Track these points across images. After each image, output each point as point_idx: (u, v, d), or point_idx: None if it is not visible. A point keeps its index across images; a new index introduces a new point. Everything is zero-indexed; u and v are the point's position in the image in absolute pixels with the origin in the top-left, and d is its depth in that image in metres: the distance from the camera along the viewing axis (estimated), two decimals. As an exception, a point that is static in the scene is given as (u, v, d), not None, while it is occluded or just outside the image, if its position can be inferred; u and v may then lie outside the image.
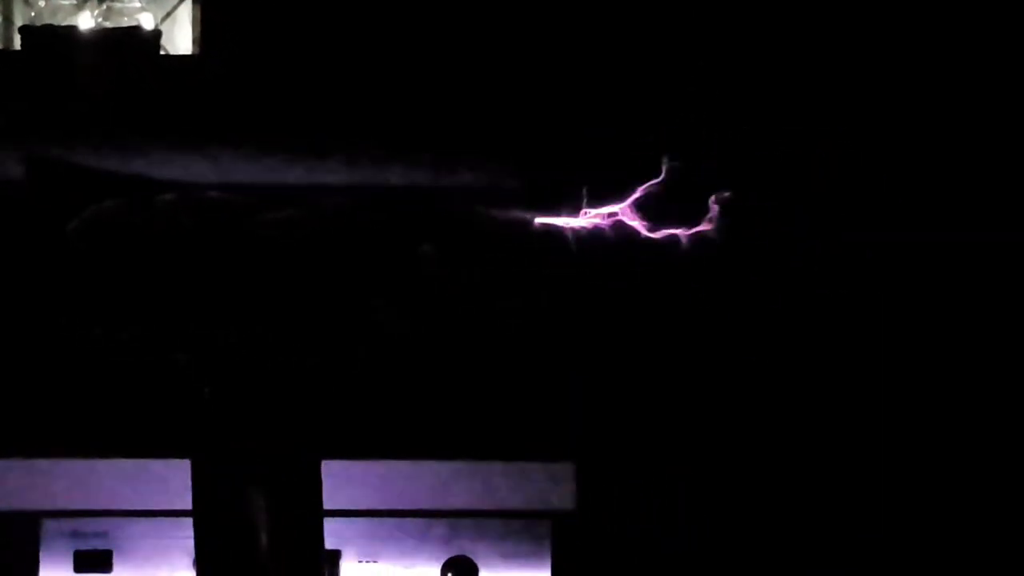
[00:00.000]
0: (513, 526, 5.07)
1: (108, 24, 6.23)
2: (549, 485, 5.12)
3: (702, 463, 5.31)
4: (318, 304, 4.12)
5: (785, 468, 5.36)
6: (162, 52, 6.23)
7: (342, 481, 4.39)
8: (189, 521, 4.26)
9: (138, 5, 6.30)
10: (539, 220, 4.42)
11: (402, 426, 5.07)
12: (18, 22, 6.46)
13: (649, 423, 5.28)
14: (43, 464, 4.93)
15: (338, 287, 4.19)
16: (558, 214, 4.44)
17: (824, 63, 5.65)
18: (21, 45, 6.17)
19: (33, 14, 6.29)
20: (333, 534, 4.57)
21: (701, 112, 5.54)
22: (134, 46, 6.10)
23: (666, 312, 5.30)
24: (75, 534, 4.91)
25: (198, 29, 6.45)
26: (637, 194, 4.39)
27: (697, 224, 4.49)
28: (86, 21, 6.24)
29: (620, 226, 4.42)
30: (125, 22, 6.24)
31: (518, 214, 4.44)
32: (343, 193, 4.97)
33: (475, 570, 5.03)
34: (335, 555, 4.91)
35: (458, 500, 5.10)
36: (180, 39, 6.64)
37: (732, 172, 5.41)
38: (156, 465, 4.93)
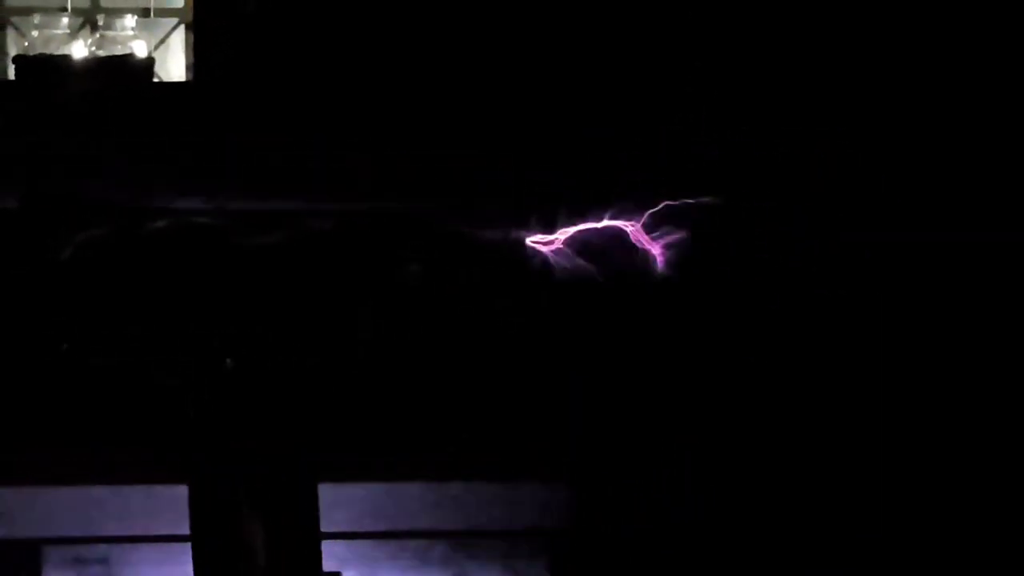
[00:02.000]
0: (511, 545, 4.93)
1: (101, 52, 6.14)
2: (545, 505, 4.99)
3: (697, 478, 5.17)
4: (311, 325, 3.99)
5: (783, 476, 5.22)
6: (155, 79, 6.18)
7: (341, 503, 4.24)
8: (186, 545, 4.15)
9: (131, 33, 6.20)
10: (531, 233, 4.30)
11: (399, 448, 4.94)
12: (12, 52, 6.40)
13: (644, 441, 5.15)
14: (44, 491, 4.80)
15: (329, 305, 4.06)
16: (551, 225, 4.33)
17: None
18: (15, 74, 6.09)
19: (27, 44, 6.21)
20: (332, 556, 4.42)
21: (700, 115, 5.44)
22: (127, 74, 6.03)
23: (658, 326, 5.18)
24: (77, 560, 4.79)
25: (191, 56, 6.39)
26: (634, 208, 4.29)
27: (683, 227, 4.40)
28: (80, 50, 6.15)
29: (614, 236, 4.32)
30: (118, 50, 6.15)
31: (509, 229, 4.32)
32: (331, 216, 4.83)
33: (475, 589, 4.89)
34: (335, 577, 4.76)
35: (456, 521, 4.97)
36: (173, 66, 6.58)
37: (731, 173, 5.32)
38: (155, 491, 4.79)
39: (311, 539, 3.74)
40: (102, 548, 4.83)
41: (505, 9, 5.69)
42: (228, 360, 3.76)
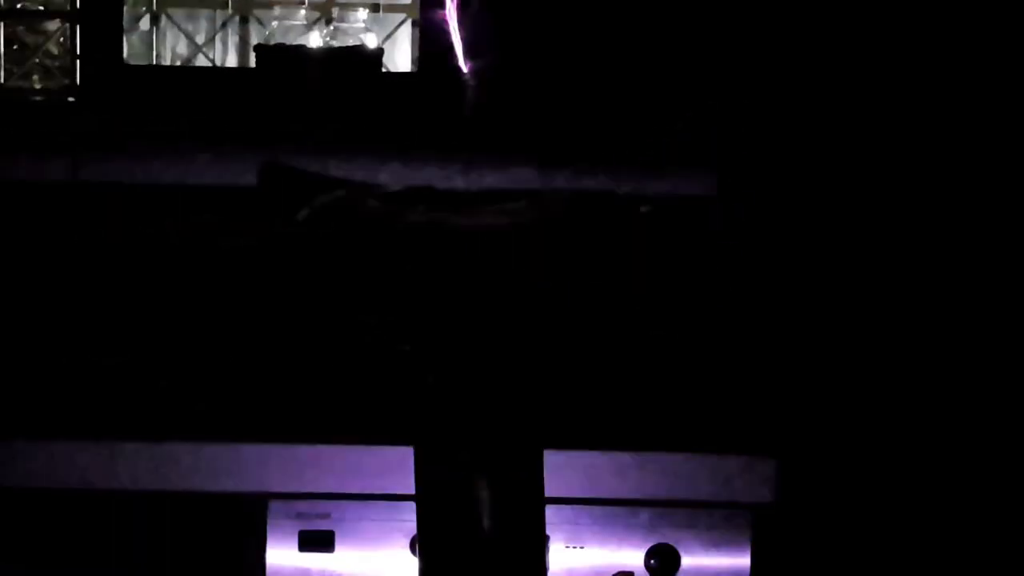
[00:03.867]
0: (714, 516, 4.71)
1: (335, 43, 6.11)
2: (749, 478, 4.74)
3: (903, 459, 4.90)
4: (539, 299, 3.80)
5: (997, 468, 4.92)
6: (384, 70, 6.13)
7: (550, 470, 4.03)
8: (407, 505, 3.99)
9: (362, 26, 6.16)
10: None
11: (608, 420, 4.75)
12: (253, 41, 6.39)
13: (850, 415, 4.90)
14: (271, 449, 4.70)
15: (554, 281, 3.87)
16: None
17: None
18: (256, 63, 6.07)
19: (267, 33, 6.21)
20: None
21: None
22: (358, 64, 5.98)
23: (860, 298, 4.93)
24: (300, 515, 4.67)
25: (416, 49, 6.34)
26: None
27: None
28: (315, 40, 6.13)
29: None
30: (350, 42, 6.11)
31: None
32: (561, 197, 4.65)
33: (677, 557, 4.67)
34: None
35: (660, 490, 4.75)
36: (400, 58, 6.53)
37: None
38: (380, 451, 4.65)
39: (536, 504, 3.53)
40: (325, 504, 4.69)
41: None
42: (457, 328, 3.57)
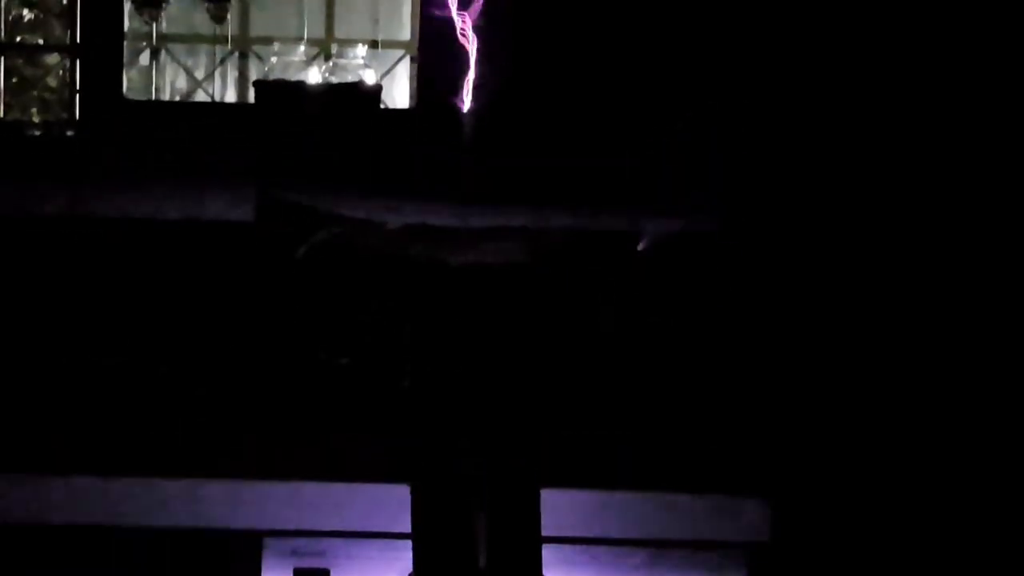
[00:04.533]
0: (710, 556, 4.69)
1: (334, 79, 6.11)
2: (744, 517, 4.73)
3: (894, 498, 4.88)
4: (538, 333, 3.80)
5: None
6: (382, 106, 6.13)
7: (546, 509, 4.02)
8: (403, 543, 3.98)
9: (361, 62, 6.16)
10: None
11: (605, 459, 4.74)
12: (252, 77, 6.40)
13: (842, 455, 4.88)
14: (267, 486, 4.68)
15: (555, 314, 3.87)
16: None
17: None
18: (255, 98, 6.06)
19: (266, 69, 6.21)
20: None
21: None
22: (357, 100, 5.98)
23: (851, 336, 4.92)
24: (295, 552, 4.66)
25: (414, 85, 6.34)
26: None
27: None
28: (314, 76, 6.13)
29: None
30: (349, 78, 6.11)
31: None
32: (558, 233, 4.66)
33: (673, 598, 4.65)
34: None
35: (656, 530, 4.74)
36: (398, 94, 6.53)
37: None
38: (376, 489, 4.64)
39: (532, 542, 3.52)
40: (321, 542, 4.68)
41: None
42: (455, 365, 3.57)
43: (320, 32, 6.61)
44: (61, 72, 6.65)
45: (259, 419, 4.69)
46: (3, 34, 6.52)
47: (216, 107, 6.50)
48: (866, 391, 4.89)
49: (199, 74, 6.71)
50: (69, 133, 6.33)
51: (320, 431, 4.61)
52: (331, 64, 6.22)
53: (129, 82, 6.42)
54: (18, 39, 6.77)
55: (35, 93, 6.68)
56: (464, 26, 4.82)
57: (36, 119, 6.67)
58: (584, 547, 4.50)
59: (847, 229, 5.07)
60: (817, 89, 5.27)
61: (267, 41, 6.40)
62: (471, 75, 5.46)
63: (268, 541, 4.54)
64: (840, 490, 4.86)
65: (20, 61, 6.73)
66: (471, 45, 5.35)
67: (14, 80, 6.68)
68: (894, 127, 5.21)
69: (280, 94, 5.94)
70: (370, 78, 6.15)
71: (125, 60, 6.25)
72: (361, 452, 4.63)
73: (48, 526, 4.57)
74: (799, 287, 4.92)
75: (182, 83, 6.72)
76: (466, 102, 5.43)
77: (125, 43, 6.23)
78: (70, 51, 6.40)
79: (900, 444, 4.89)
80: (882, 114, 5.22)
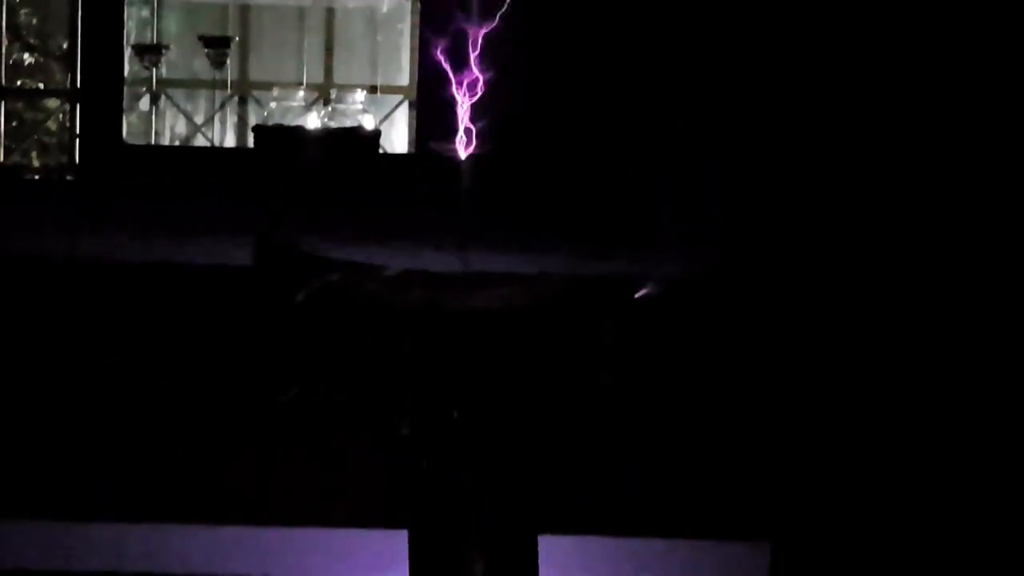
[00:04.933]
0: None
1: (333, 124, 6.15)
2: (746, 563, 4.72)
3: (894, 538, 4.87)
4: (537, 379, 3.80)
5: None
6: (381, 150, 6.16)
7: (545, 555, 4.00)
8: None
9: (360, 107, 6.20)
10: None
11: (604, 505, 4.72)
12: (252, 122, 6.43)
13: (842, 500, 4.87)
14: (267, 532, 4.67)
15: (554, 361, 3.87)
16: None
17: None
18: (254, 143, 6.10)
19: (266, 114, 6.25)
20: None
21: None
22: (356, 145, 6.01)
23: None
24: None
25: (413, 131, 6.37)
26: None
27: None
28: (313, 121, 6.17)
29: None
30: (348, 123, 6.14)
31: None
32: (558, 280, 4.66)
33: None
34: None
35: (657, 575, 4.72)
36: (397, 139, 6.57)
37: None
38: (374, 534, 4.62)
39: (529, 587, 3.51)
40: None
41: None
42: (455, 412, 3.57)
43: (319, 77, 6.66)
44: (61, 116, 6.68)
45: (253, 463, 4.68)
46: (4, 78, 6.55)
47: (215, 152, 6.54)
48: (867, 436, 4.89)
49: (199, 119, 6.75)
50: (69, 177, 6.36)
51: (317, 476, 4.60)
52: (330, 109, 6.25)
53: (129, 127, 6.45)
54: (19, 83, 6.80)
55: (35, 137, 6.71)
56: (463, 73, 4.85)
57: (36, 163, 6.70)
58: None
59: (846, 273, 5.08)
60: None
61: (266, 86, 6.44)
62: (469, 120, 5.48)
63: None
64: (839, 534, 4.84)
65: (20, 105, 6.76)
66: (469, 90, 5.38)
67: (14, 124, 6.71)
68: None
69: (279, 139, 5.97)
70: (369, 123, 6.18)
71: (125, 105, 6.29)
72: (359, 496, 4.63)
73: (46, 571, 4.56)
74: (797, 331, 4.92)
75: (182, 128, 6.76)
76: (464, 147, 5.45)
77: (125, 88, 6.27)
78: (70, 96, 6.44)
79: (901, 489, 4.89)
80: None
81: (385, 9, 6.59)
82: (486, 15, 4.69)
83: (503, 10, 4.72)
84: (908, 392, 4.97)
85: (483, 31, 4.65)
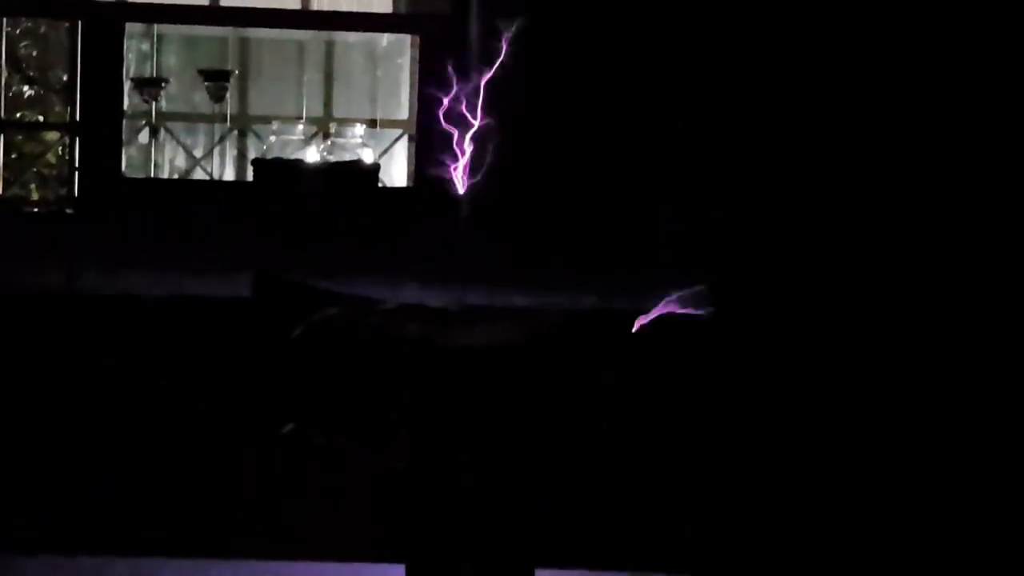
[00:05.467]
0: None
1: (332, 158, 6.16)
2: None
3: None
4: (543, 417, 3.79)
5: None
6: (380, 184, 6.16)
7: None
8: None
9: (359, 141, 6.21)
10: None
11: (602, 539, 4.71)
12: (251, 155, 6.44)
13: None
14: (264, 565, 4.66)
15: (548, 398, 3.86)
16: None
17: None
18: (253, 176, 6.11)
19: (265, 147, 6.26)
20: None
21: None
22: (355, 178, 6.01)
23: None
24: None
25: (413, 164, 6.38)
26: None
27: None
28: (312, 155, 6.18)
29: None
30: (347, 156, 6.15)
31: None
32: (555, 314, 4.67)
33: None
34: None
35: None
36: (396, 172, 6.58)
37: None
38: (371, 569, 4.62)
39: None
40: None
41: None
42: (451, 448, 3.57)
43: (319, 111, 6.67)
44: (61, 149, 6.70)
45: (250, 498, 4.68)
46: (3, 111, 6.57)
47: (215, 185, 6.55)
48: (853, 480, 4.87)
49: (198, 152, 6.76)
50: (68, 210, 6.37)
51: (312, 509, 4.59)
52: (329, 143, 6.26)
53: (128, 160, 6.46)
54: (18, 115, 6.82)
55: (35, 170, 6.73)
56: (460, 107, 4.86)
57: (35, 196, 6.72)
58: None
59: (843, 284, 5.07)
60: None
61: (266, 120, 6.46)
62: (468, 154, 5.50)
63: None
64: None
65: (20, 138, 6.78)
66: (469, 125, 5.39)
67: (14, 156, 6.73)
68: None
69: (278, 172, 5.97)
70: (368, 157, 6.19)
71: (124, 138, 6.30)
72: (354, 530, 4.62)
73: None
74: (792, 371, 4.92)
75: (181, 161, 6.77)
76: (463, 180, 5.46)
77: (124, 121, 6.29)
78: (70, 128, 6.45)
79: (891, 532, 4.88)
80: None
81: (384, 44, 6.61)
82: (485, 51, 4.71)
83: (502, 45, 4.74)
84: (901, 439, 4.95)
85: (482, 67, 4.67)
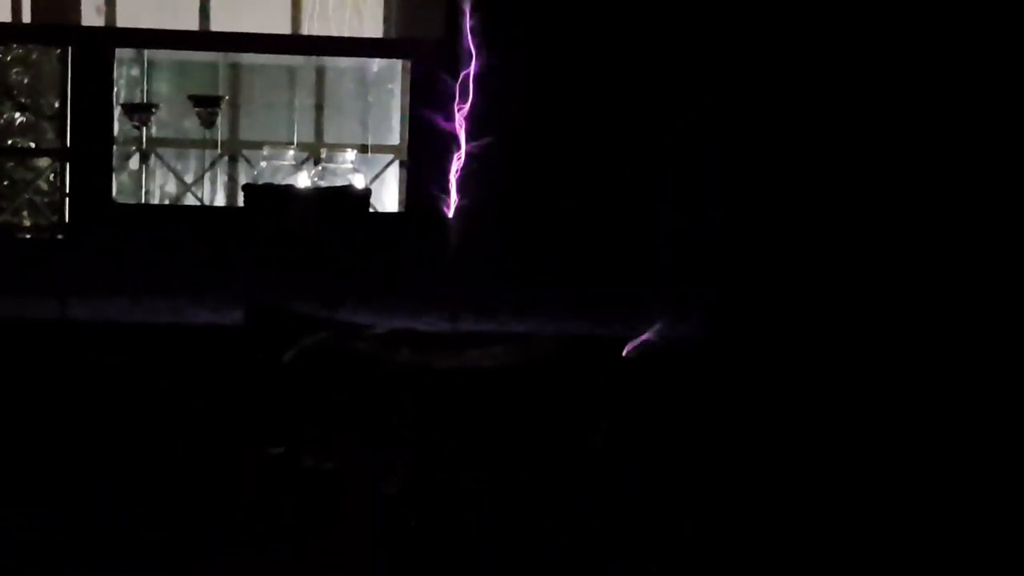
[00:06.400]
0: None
1: (323, 183, 6.15)
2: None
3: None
4: (522, 444, 3.80)
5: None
6: (371, 209, 6.16)
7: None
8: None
9: (350, 166, 6.21)
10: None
11: (598, 566, 4.69)
12: (242, 181, 6.44)
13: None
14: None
15: (543, 423, 3.87)
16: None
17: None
18: (244, 201, 6.10)
19: (256, 173, 6.25)
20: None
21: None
22: (346, 204, 6.01)
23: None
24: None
25: (403, 190, 6.37)
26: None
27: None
28: (303, 180, 6.17)
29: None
30: (338, 182, 6.15)
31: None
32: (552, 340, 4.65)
33: None
34: None
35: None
36: (387, 198, 6.57)
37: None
38: None
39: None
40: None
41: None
42: (441, 474, 3.57)
43: (310, 136, 6.67)
44: (52, 175, 6.70)
45: (241, 532, 4.67)
46: (-5, 138, 6.58)
47: (205, 210, 6.54)
48: (856, 482, 4.87)
49: (188, 178, 6.76)
50: (59, 236, 6.36)
51: (302, 538, 4.57)
52: (320, 168, 6.26)
53: (119, 186, 6.46)
54: (9, 142, 6.82)
55: (26, 196, 6.72)
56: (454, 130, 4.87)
57: (27, 222, 6.71)
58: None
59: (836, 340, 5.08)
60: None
61: (257, 145, 6.45)
62: (459, 178, 5.50)
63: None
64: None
65: (11, 164, 6.78)
66: (460, 149, 5.40)
67: (5, 183, 6.73)
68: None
69: (269, 197, 5.96)
70: (359, 182, 6.19)
71: (115, 164, 6.29)
72: (346, 559, 4.60)
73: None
74: (792, 372, 4.91)
75: (171, 187, 6.77)
76: (455, 205, 5.46)
77: (115, 147, 6.28)
78: (61, 155, 6.45)
79: (891, 532, 4.87)
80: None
81: (376, 69, 6.62)
82: (476, 74, 4.71)
83: (492, 67, 4.74)
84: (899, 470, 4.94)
85: (472, 90, 4.67)
